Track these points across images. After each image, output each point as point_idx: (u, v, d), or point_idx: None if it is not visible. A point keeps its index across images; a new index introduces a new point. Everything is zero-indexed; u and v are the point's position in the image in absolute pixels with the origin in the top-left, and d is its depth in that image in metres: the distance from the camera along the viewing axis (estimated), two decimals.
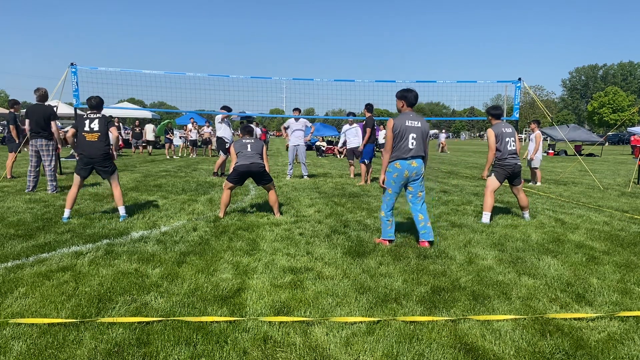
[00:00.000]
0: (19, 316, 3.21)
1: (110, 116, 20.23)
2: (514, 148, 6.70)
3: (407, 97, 5.29)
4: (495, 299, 3.70)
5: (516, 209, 7.78)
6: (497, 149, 6.72)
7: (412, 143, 5.15)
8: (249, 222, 6.38)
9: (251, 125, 7.24)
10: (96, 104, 6.54)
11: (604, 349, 2.89)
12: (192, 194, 9.02)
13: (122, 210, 6.49)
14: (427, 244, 5.30)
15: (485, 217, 6.67)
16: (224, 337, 2.96)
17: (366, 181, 11.55)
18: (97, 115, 6.46)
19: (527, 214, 6.97)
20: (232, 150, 6.98)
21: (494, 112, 6.95)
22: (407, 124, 5.16)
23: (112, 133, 6.44)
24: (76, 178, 6.35)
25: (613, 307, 3.59)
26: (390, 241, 5.33)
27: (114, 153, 6.61)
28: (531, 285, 4.03)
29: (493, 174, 6.82)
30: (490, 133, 6.73)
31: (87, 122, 6.36)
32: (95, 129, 6.36)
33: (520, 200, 6.94)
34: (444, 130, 41.30)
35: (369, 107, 11.45)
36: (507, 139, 6.68)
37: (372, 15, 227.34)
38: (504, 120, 7.21)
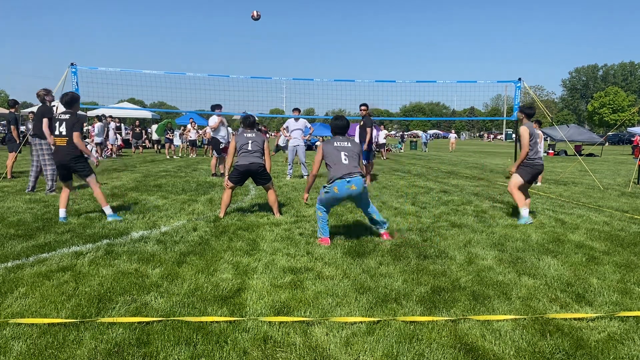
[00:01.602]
0: (19, 316, 3.21)
1: (105, 116, 20.27)
2: (541, 151, 6.73)
3: (331, 126, 5.58)
4: (495, 299, 3.70)
5: (515, 208, 7.77)
6: (530, 148, 6.61)
7: (345, 160, 5.30)
8: (249, 222, 6.38)
9: (253, 116, 6.95)
10: (67, 101, 6.08)
11: (604, 349, 2.89)
12: (192, 194, 9.02)
13: (107, 210, 6.30)
14: (389, 236, 5.64)
15: (525, 212, 6.58)
16: (224, 337, 2.96)
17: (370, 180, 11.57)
18: (66, 116, 6.04)
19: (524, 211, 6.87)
20: (232, 143, 6.83)
21: (529, 111, 6.78)
22: (335, 144, 5.39)
23: (74, 138, 5.99)
24: (60, 182, 6.15)
25: (613, 307, 3.59)
26: (330, 238, 5.41)
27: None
28: (531, 285, 4.03)
29: (519, 171, 6.70)
30: (525, 131, 6.57)
31: (57, 124, 6.02)
32: (63, 133, 6.01)
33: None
34: (452, 131, 42.21)
35: (365, 107, 11.32)
36: (537, 140, 6.67)
37: (371, 15, 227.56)
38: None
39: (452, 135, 39.21)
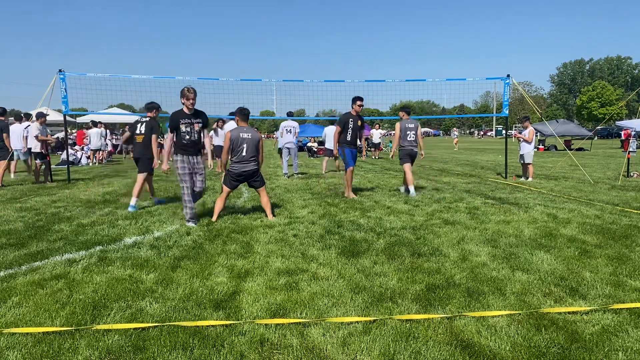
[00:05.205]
0: (13, 325, 3.18)
1: (96, 122, 20.18)
2: (413, 139, 9.03)
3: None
4: (490, 295, 3.72)
5: (508, 205, 7.83)
6: (402, 138, 9.08)
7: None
8: (242, 225, 6.37)
9: (246, 108, 6.78)
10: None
11: (598, 341, 2.92)
12: None
13: None
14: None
15: (412, 189, 8.91)
16: (220, 341, 2.95)
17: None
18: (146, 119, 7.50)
19: (412, 189, 8.88)
20: (226, 141, 6.59)
21: (407, 110, 9.34)
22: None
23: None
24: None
25: (606, 299, 3.63)
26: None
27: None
28: (525, 281, 4.06)
29: (402, 159, 9.12)
30: (398, 126, 9.12)
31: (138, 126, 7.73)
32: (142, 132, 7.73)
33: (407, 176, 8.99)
34: (454, 129, 43.23)
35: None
36: (408, 132, 9.03)
37: (360, 15, 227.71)
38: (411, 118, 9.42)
39: (455, 133, 40.67)
